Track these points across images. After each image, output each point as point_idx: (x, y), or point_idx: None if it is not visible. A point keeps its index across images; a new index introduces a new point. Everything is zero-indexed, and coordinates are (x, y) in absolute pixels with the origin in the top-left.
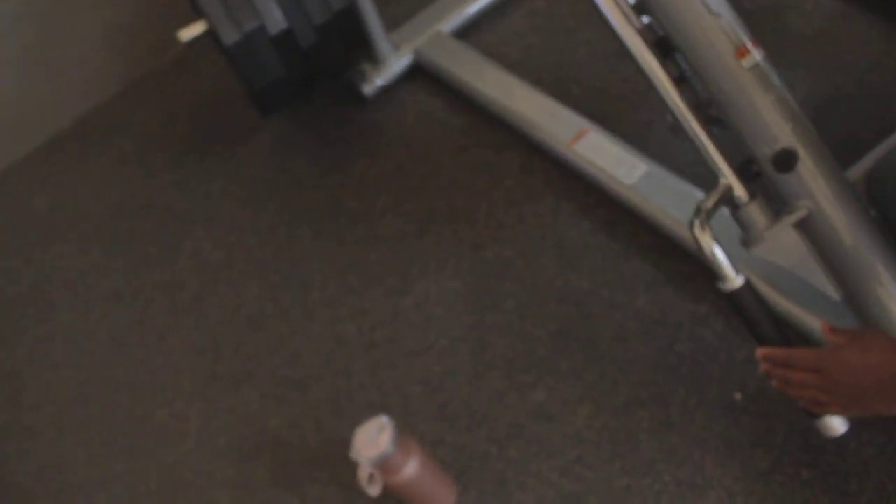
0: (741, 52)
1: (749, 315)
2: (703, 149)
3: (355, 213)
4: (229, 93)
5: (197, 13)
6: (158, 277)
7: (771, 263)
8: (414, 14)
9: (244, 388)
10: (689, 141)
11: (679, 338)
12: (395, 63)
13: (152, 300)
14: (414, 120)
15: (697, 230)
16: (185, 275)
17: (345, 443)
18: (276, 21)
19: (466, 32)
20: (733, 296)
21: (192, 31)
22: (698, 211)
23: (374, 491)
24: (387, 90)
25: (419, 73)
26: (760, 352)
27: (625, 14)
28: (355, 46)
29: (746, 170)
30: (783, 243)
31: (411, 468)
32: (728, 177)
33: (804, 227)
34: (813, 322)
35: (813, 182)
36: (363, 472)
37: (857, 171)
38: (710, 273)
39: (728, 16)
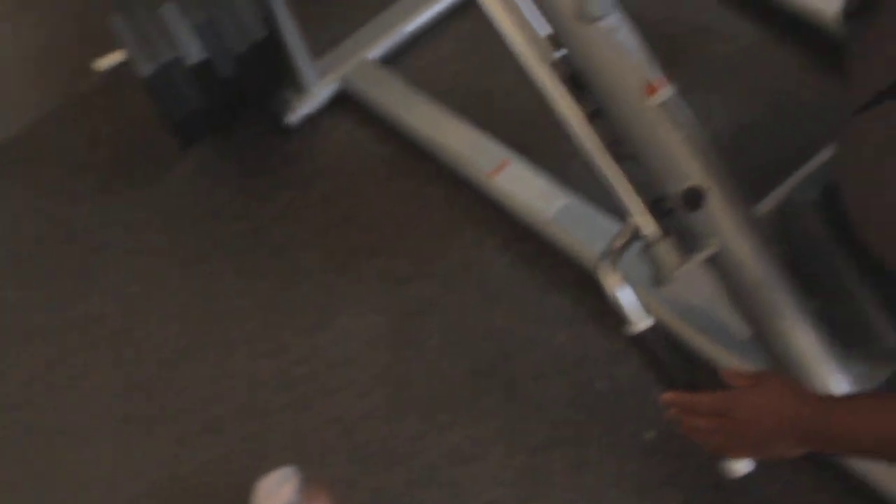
0: (650, 90)
1: (654, 358)
2: (612, 187)
3: (277, 245)
4: (153, 119)
5: (115, 42)
6: (76, 313)
7: (684, 300)
8: (340, 40)
9: (158, 430)
10: (600, 179)
11: (597, 375)
12: (320, 91)
13: (68, 338)
14: (339, 150)
15: (602, 272)
16: (103, 310)
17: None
18: (194, 51)
19: (394, 58)
20: (637, 339)
21: (108, 60)
22: (606, 252)
23: None
24: (312, 119)
25: (345, 101)
26: (665, 397)
27: (538, 47)
28: (278, 75)
29: (658, 207)
30: (694, 281)
31: None
32: (637, 215)
33: (713, 264)
34: (729, 360)
35: (721, 219)
36: None
37: (766, 204)
38: None
39: (638, 52)
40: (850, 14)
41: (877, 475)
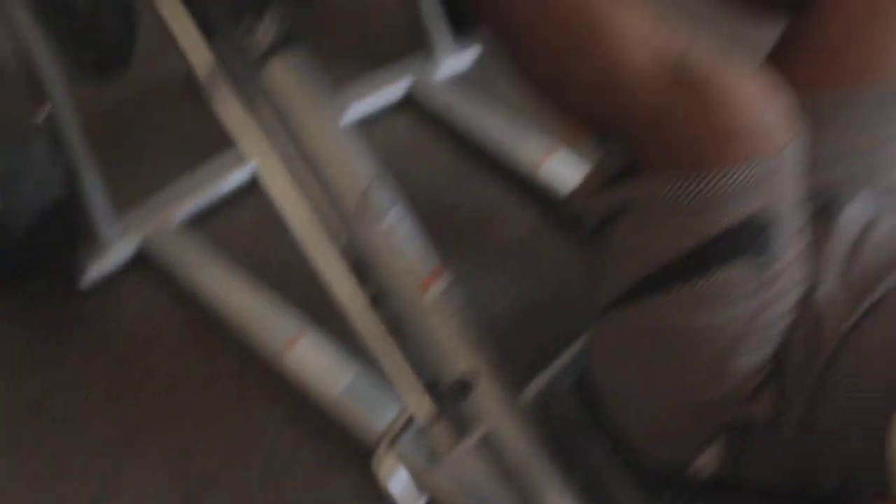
0: (426, 284)
1: None
2: (389, 372)
3: (59, 416)
4: None
5: None
6: None
7: (462, 478)
8: (144, 199)
9: None
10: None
11: None
12: (119, 252)
13: None
14: (134, 313)
15: (377, 457)
16: None
17: None
18: None
19: (197, 222)
20: None
21: None
22: (384, 434)
23: None
24: (108, 279)
25: (144, 262)
26: None
27: (322, 232)
28: (77, 232)
29: (434, 391)
30: (466, 464)
31: None
32: (414, 399)
33: (483, 448)
34: None
35: (489, 405)
36: None
37: (532, 390)
38: None
39: (417, 246)
40: (594, 229)
41: None
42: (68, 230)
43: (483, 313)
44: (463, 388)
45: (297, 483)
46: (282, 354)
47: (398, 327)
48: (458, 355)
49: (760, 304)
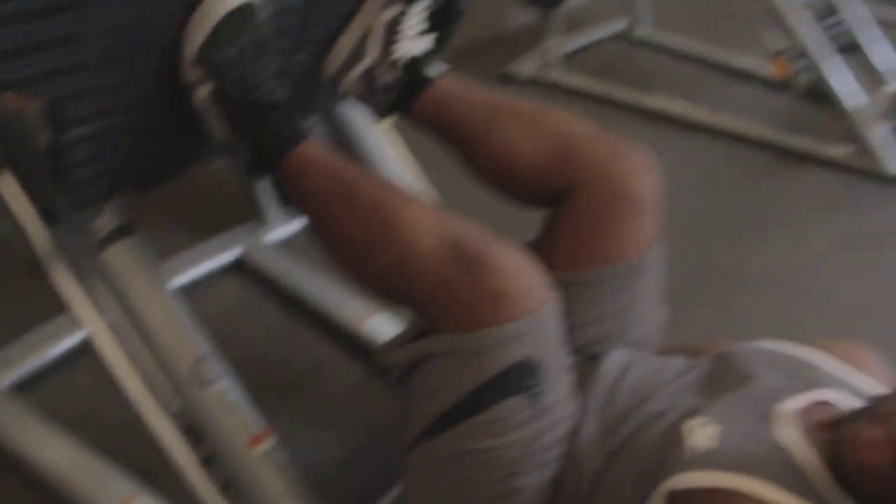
0: (254, 441)
1: None
2: None
3: None
4: None
5: None
6: None
7: None
8: None
9: None
10: None
11: None
12: None
13: None
14: None
15: None
16: None
17: None
18: None
19: (28, 385)
20: None
21: None
22: None
23: None
24: None
25: None
26: None
27: (158, 397)
28: None
29: None
30: None
31: None
32: None
33: None
34: None
35: None
36: None
37: None
38: None
39: (245, 409)
40: (400, 378)
41: None
42: None
43: (311, 463)
44: None
45: None
46: None
47: (230, 485)
48: None
49: (535, 432)
